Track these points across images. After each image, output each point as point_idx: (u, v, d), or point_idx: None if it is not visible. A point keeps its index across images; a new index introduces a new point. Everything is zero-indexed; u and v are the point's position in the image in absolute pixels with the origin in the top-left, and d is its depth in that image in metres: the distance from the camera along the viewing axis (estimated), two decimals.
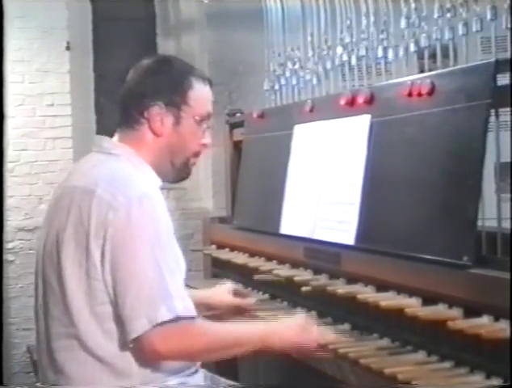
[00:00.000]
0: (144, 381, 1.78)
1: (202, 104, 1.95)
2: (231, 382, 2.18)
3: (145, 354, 1.75)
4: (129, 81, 1.97)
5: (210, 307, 2.27)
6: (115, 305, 1.74)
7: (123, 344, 1.75)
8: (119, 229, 1.72)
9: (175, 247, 1.82)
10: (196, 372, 1.94)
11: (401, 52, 2.35)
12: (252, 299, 2.37)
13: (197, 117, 1.94)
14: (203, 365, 2.07)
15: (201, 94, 1.95)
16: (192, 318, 1.76)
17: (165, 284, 1.72)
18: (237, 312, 2.29)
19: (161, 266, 1.73)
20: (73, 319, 1.77)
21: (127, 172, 1.85)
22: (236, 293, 2.33)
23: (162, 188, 1.90)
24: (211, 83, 1.99)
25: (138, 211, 1.74)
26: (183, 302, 1.74)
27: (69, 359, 1.79)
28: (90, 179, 1.84)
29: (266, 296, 2.61)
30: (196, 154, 1.98)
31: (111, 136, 1.99)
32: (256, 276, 2.53)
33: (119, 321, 1.75)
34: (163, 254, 1.75)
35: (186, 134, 1.93)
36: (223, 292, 2.32)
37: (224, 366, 2.36)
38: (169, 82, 1.92)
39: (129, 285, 1.72)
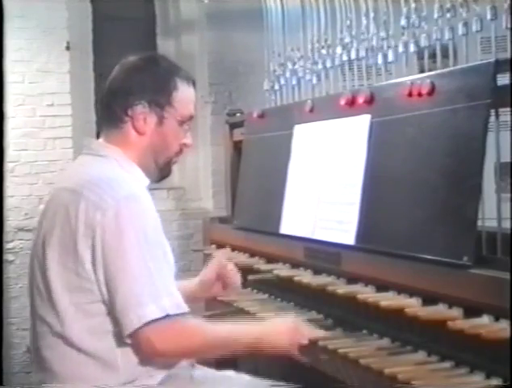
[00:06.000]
0: (131, 375, 1.80)
1: (185, 106, 1.95)
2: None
3: (143, 350, 1.77)
4: (114, 78, 1.97)
5: (203, 289, 2.24)
6: (108, 302, 1.76)
7: (112, 340, 1.78)
8: (108, 230, 1.74)
9: (164, 245, 1.84)
10: (193, 366, 1.97)
11: (401, 52, 2.35)
12: (237, 279, 2.28)
13: (179, 118, 1.94)
14: (203, 361, 2.07)
15: (185, 96, 1.95)
16: (183, 314, 1.77)
17: (153, 282, 1.74)
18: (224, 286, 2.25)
19: (149, 265, 1.75)
20: (60, 318, 1.78)
21: (113, 173, 1.87)
22: (220, 275, 2.26)
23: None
24: (194, 84, 2.00)
25: (125, 211, 1.76)
26: (173, 300, 1.77)
27: (56, 356, 1.82)
28: (76, 181, 1.86)
29: (266, 296, 2.61)
30: (177, 154, 2.00)
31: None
32: (250, 277, 2.53)
33: (112, 317, 1.76)
34: (151, 252, 1.77)
35: (168, 134, 1.94)
36: (211, 271, 2.25)
37: (224, 362, 2.36)
38: (154, 82, 1.92)
39: (119, 284, 1.74)
